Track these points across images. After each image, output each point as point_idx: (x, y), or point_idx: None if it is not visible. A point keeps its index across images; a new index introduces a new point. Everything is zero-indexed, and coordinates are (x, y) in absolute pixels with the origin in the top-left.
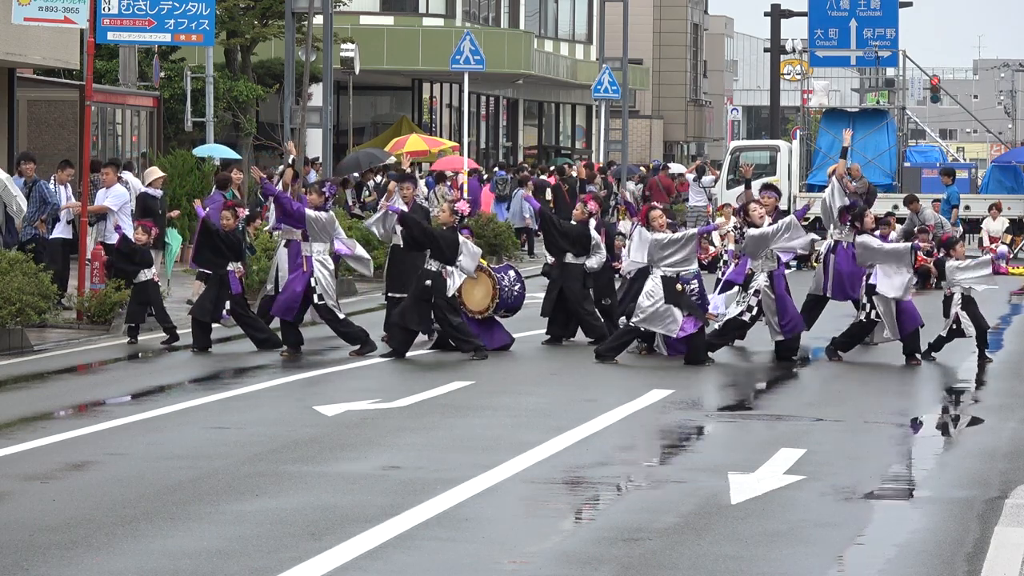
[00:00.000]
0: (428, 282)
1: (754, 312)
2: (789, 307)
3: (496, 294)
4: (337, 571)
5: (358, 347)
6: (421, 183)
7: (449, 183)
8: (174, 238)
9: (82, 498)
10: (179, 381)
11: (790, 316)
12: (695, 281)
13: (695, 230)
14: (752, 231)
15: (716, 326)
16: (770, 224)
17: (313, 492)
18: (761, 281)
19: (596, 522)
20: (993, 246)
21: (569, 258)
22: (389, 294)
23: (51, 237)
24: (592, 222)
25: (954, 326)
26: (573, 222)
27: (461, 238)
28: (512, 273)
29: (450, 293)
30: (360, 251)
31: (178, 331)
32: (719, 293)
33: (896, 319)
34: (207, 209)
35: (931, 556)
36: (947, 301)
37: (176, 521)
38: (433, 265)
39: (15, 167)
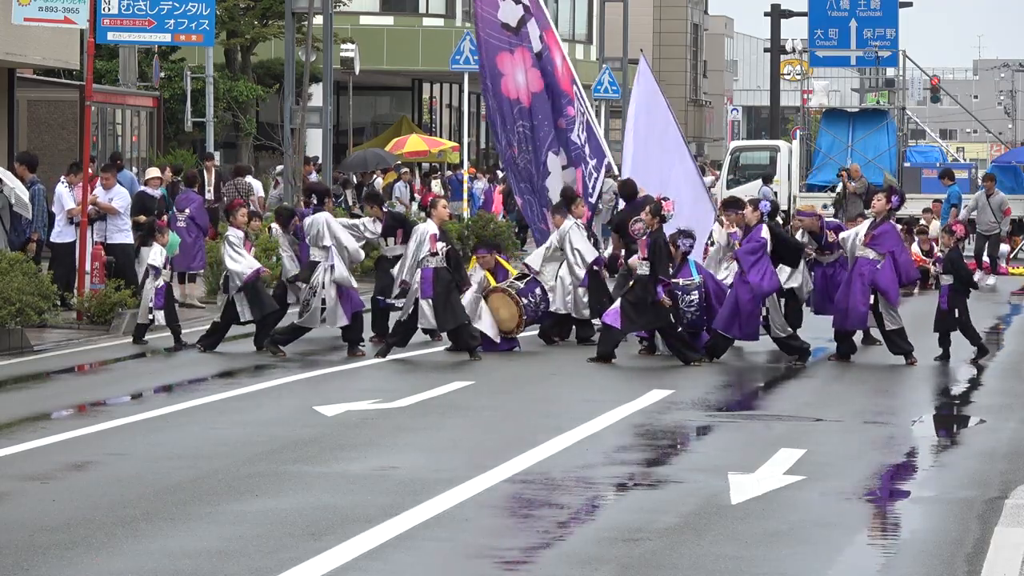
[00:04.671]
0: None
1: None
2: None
3: (521, 322)
4: (337, 571)
5: (354, 347)
6: (437, 183)
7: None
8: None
9: (82, 498)
10: (179, 381)
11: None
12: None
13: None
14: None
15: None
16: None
17: (313, 492)
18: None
19: (596, 522)
20: None
21: None
22: (378, 297)
23: (63, 241)
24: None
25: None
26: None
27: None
28: (539, 291)
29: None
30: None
31: (183, 334)
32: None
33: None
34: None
35: (931, 556)
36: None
37: (176, 521)
38: (433, 261)
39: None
